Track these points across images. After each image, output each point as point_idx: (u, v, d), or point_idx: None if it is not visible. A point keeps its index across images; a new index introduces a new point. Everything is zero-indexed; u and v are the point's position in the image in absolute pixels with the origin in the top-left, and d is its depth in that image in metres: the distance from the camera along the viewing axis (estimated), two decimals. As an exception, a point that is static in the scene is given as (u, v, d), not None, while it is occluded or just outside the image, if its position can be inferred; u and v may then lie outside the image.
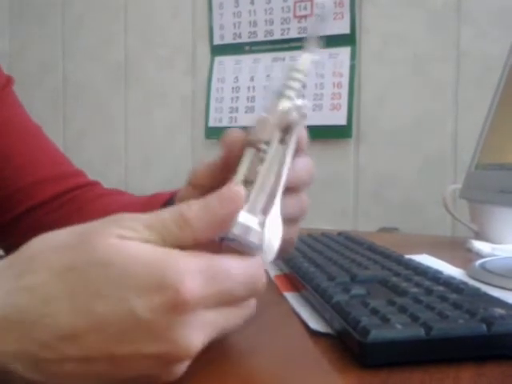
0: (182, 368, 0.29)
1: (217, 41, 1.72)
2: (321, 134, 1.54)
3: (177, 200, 0.48)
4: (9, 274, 0.28)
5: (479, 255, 0.73)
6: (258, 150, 0.36)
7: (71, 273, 0.27)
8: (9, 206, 0.63)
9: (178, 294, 0.27)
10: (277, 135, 0.36)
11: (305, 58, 0.38)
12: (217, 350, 0.35)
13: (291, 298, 0.49)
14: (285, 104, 0.36)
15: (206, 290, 0.29)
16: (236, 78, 1.69)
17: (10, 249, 0.64)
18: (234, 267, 0.31)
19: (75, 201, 0.65)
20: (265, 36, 1.64)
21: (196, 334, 0.28)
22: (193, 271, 0.28)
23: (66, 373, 0.27)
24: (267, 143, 0.36)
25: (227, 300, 0.31)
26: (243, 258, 0.32)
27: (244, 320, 0.33)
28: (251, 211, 0.33)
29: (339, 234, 0.77)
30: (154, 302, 0.27)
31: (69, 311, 0.27)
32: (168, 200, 0.56)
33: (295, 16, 1.61)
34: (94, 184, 0.69)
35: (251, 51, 1.67)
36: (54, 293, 0.27)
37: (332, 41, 1.56)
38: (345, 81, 1.55)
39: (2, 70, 0.68)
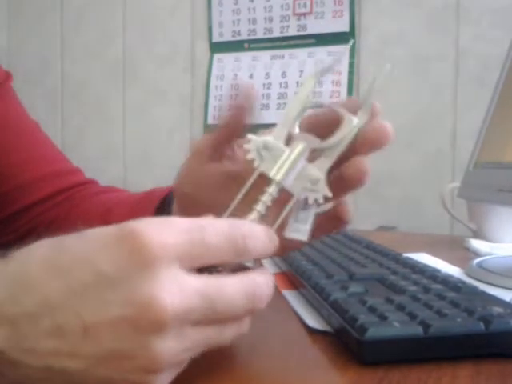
0: (161, 348, 0.25)
1: (216, 38, 1.72)
2: (319, 132, 1.54)
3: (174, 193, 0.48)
4: None
5: (477, 254, 0.73)
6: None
7: (57, 240, 0.28)
8: (5, 203, 0.63)
9: (138, 239, 0.25)
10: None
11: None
12: (214, 349, 0.35)
13: (289, 295, 0.49)
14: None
15: (173, 237, 0.26)
16: (235, 75, 1.69)
17: (6, 246, 0.63)
18: (212, 221, 0.29)
19: (72, 199, 0.65)
20: (264, 33, 1.64)
21: (166, 289, 0.25)
22: (157, 221, 0.27)
23: (39, 346, 0.26)
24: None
25: (209, 254, 0.28)
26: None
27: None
28: None
29: (337, 232, 0.77)
30: (114, 252, 0.25)
31: (41, 271, 0.26)
32: (166, 196, 0.56)
33: (294, 14, 1.61)
34: (91, 182, 0.69)
35: (250, 49, 1.67)
36: (35, 256, 0.27)
37: (331, 38, 1.56)
38: (343, 79, 1.55)
39: (1, 66, 0.68)
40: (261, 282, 0.30)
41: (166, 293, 0.25)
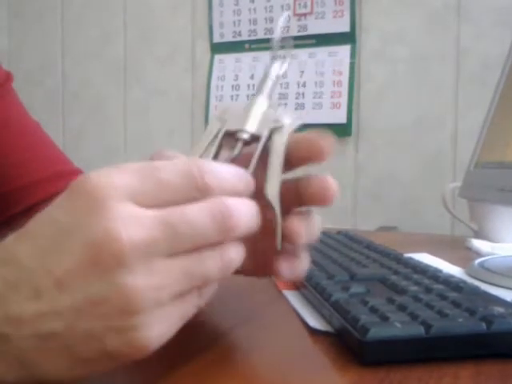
0: (130, 281, 0.25)
1: (217, 39, 1.72)
2: (320, 132, 1.54)
3: None
4: None
5: (478, 254, 0.73)
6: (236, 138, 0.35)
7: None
8: (7, 204, 0.63)
9: (85, 184, 0.26)
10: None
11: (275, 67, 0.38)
12: (216, 349, 0.35)
13: (290, 296, 0.49)
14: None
15: (123, 176, 0.26)
16: (236, 75, 1.69)
17: None
18: (165, 162, 0.28)
19: None
20: (265, 34, 1.64)
21: (119, 222, 0.25)
22: (108, 168, 0.27)
23: (24, 314, 0.26)
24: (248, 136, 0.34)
25: (162, 190, 0.27)
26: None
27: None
28: None
29: (338, 232, 0.77)
30: (67, 201, 0.26)
31: (15, 240, 0.27)
32: None
33: (295, 14, 1.61)
34: None
35: (251, 49, 1.67)
36: (13, 235, 0.27)
37: (332, 39, 1.56)
38: (344, 79, 1.55)
39: (1, 66, 0.68)
40: (231, 201, 0.28)
41: (120, 224, 0.25)
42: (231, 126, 0.35)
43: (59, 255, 0.26)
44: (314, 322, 0.41)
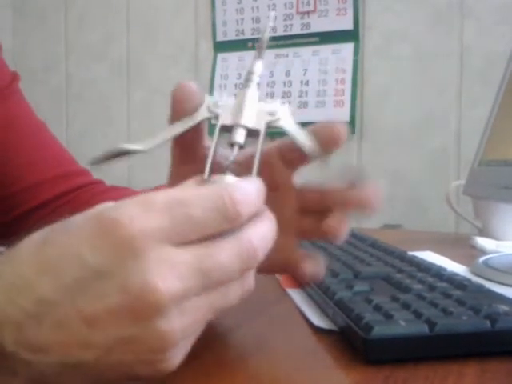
0: (166, 327, 0.26)
1: (220, 37, 1.72)
2: (324, 130, 1.54)
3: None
4: None
5: (483, 252, 0.73)
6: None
7: (42, 235, 0.28)
8: (13, 204, 0.63)
9: (119, 229, 0.25)
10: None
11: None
12: (220, 347, 0.35)
13: (294, 294, 0.49)
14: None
15: (154, 219, 0.26)
16: (239, 74, 1.69)
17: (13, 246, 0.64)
18: (192, 192, 0.27)
19: (78, 199, 0.65)
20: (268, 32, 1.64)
21: (157, 273, 0.25)
22: (133, 203, 0.26)
23: (47, 344, 0.26)
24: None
25: (196, 228, 0.27)
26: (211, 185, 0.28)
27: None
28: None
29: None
30: (100, 245, 0.25)
31: (33, 271, 0.26)
32: None
33: (298, 12, 1.61)
34: (97, 182, 0.69)
35: (254, 47, 1.67)
36: (25, 255, 0.27)
37: (335, 37, 1.56)
38: (348, 77, 1.55)
39: (7, 66, 0.68)
40: (257, 241, 0.28)
41: (157, 276, 0.25)
42: (226, 121, 0.34)
43: (89, 296, 0.26)
44: (318, 320, 0.41)
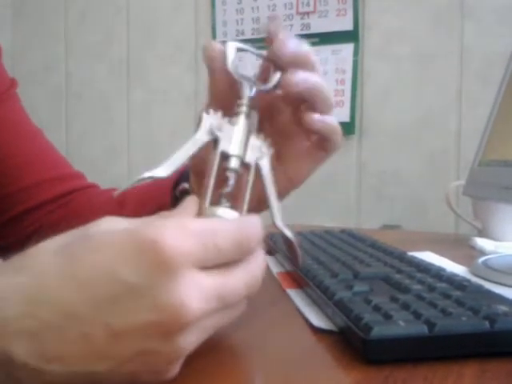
0: (184, 343, 0.28)
1: (220, 37, 1.72)
2: (324, 130, 1.54)
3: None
4: (9, 266, 0.29)
5: (482, 252, 0.73)
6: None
7: (64, 249, 0.28)
8: (8, 205, 0.63)
9: (158, 249, 0.27)
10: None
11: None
12: (220, 348, 0.35)
13: (294, 294, 0.49)
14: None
15: (190, 244, 0.28)
16: (239, 74, 1.69)
17: (7, 249, 0.64)
18: (221, 225, 0.31)
19: (73, 203, 0.65)
20: (268, 33, 1.64)
21: (188, 294, 0.27)
22: (171, 227, 0.28)
23: (66, 355, 0.26)
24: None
25: (219, 257, 0.30)
26: (233, 219, 0.32)
27: (247, 289, 0.32)
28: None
29: (342, 231, 0.77)
30: (137, 263, 0.27)
31: (60, 285, 0.27)
32: (181, 174, 0.55)
33: (298, 13, 1.61)
34: (92, 186, 0.69)
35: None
36: (48, 268, 0.27)
37: (335, 37, 1.56)
38: (348, 77, 1.55)
39: (6, 72, 0.68)
40: (260, 272, 0.33)
41: (188, 298, 0.27)
42: (225, 147, 0.37)
43: (121, 312, 0.27)
44: (318, 320, 0.41)
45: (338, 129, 0.44)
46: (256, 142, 0.39)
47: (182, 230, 0.28)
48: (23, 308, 0.27)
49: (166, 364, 0.28)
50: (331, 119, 0.43)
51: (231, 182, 0.36)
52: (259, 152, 0.38)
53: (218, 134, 0.37)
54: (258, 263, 0.33)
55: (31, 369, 0.27)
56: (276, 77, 0.42)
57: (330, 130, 0.43)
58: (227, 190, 0.36)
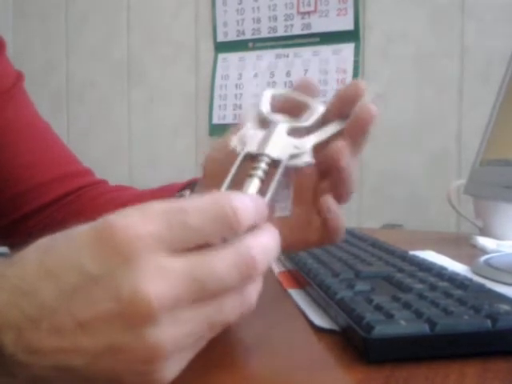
0: (155, 337, 0.25)
1: (220, 38, 1.72)
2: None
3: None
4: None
5: (484, 251, 0.73)
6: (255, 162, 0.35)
7: (46, 241, 0.28)
8: (17, 205, 0.63)
9: (114, 235, 0.25)
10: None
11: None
12: (221, 347, 0.35)
13: (295, 294, 0.49)
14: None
15: (150, 225, 0.26)
16: (240, 74, 1.69)
17: (17, 247, 0.64)
18: (192, 202, 0.27)
19: (81, 199, 0.65)
20: (268, 32, 1.64)
21: (149, 280, 0.25)
22: (133, 210, 0.26)
23: (44, 347, 0.26)
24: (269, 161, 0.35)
25: (194, 237, 0.26)
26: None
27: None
28: None
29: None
30: (97, 252, 0.26)
31: (37, 277, 0.27)
32: (188, 184, 0.54)
33: (299, 12, 1.61)
34: (101, 182, 0.69)
35: (255, 48, 1.67)
36: (29, 261, 0.27)
37: (336, 37, 1.56)
38: (348, 77, 1.55)
39: (12, 65, 0.67)
40: (256, 250, 0.27)
41: (149, 283, 0.25)
42: (252, 149, 0.35)
43: (83, 302, 0.26)
44: (319, 320, 0.41)
45: (342, 229, 0.40)
46: (295, 141, 0.36)
47: (142, 212, 0.26)
48: (10, 298, 0.27)
49: (143, 362, 0.26)
50: (342, 218, 0.39)
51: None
52: (294, 149, 0.36)
53: (246, 139, 0.36)
54: (258, 240, 0.28)
55: (19, 361, 0.27)
56: (317, 112, 0.39)
57: (335, 227, 0.39)
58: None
